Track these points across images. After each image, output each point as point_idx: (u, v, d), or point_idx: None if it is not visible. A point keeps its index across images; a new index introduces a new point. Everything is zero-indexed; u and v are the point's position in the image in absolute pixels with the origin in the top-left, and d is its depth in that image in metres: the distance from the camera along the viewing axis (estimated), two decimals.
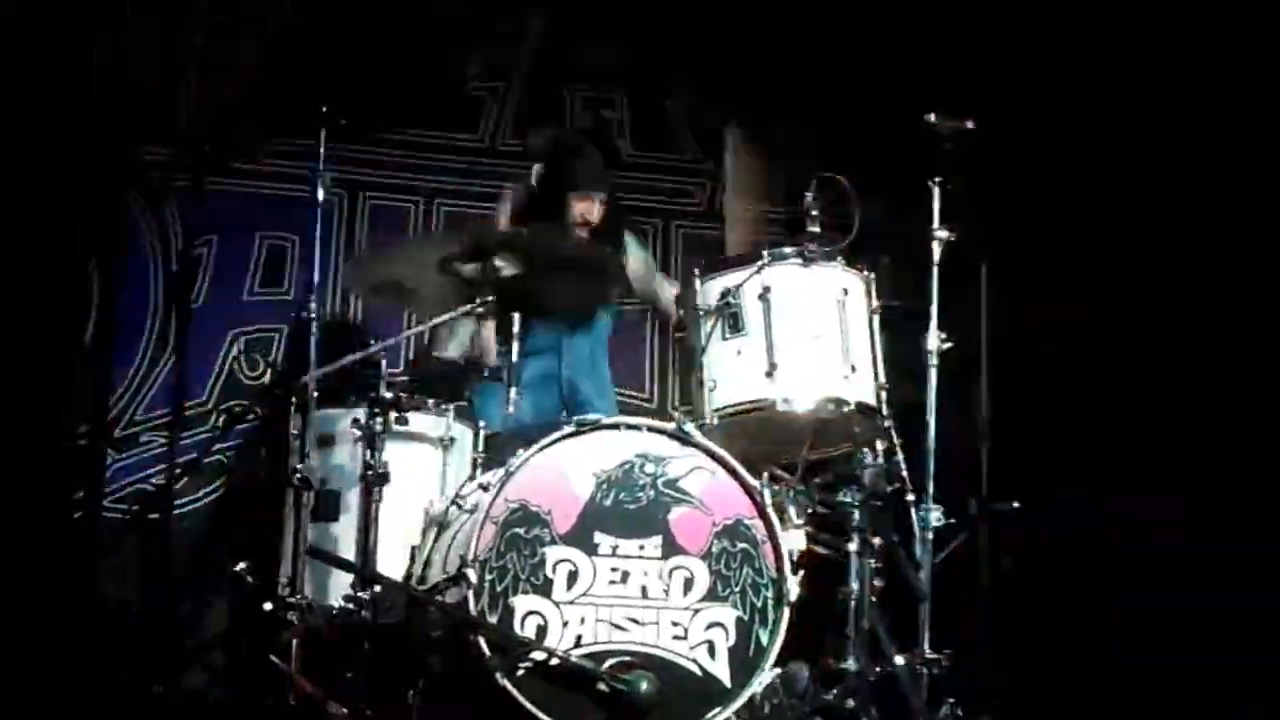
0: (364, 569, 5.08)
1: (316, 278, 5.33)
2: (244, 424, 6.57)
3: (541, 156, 6.23)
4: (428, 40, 6.69)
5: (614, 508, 4.96)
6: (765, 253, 5.33)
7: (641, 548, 4.95)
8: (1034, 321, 6.64)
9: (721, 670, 4.93)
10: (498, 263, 5.31)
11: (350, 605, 5.08)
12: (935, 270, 5.55)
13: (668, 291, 6.34)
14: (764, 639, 4.96)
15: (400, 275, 5.45)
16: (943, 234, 5.56)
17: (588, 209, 6.04)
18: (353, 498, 5.27)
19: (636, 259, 6.31)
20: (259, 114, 6.60)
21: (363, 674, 4.95)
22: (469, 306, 5.24)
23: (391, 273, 5.51)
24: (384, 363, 5.31)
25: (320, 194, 5.34)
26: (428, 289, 5.38)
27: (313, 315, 5.28)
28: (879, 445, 5.45)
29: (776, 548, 5.00)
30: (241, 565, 5.48)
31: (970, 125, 5.61)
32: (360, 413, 5.31)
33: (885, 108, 6.44)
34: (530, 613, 4.87)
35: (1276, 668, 6.04)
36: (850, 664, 5.34)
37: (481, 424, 5.50)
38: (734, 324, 5.28)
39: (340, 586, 5.20)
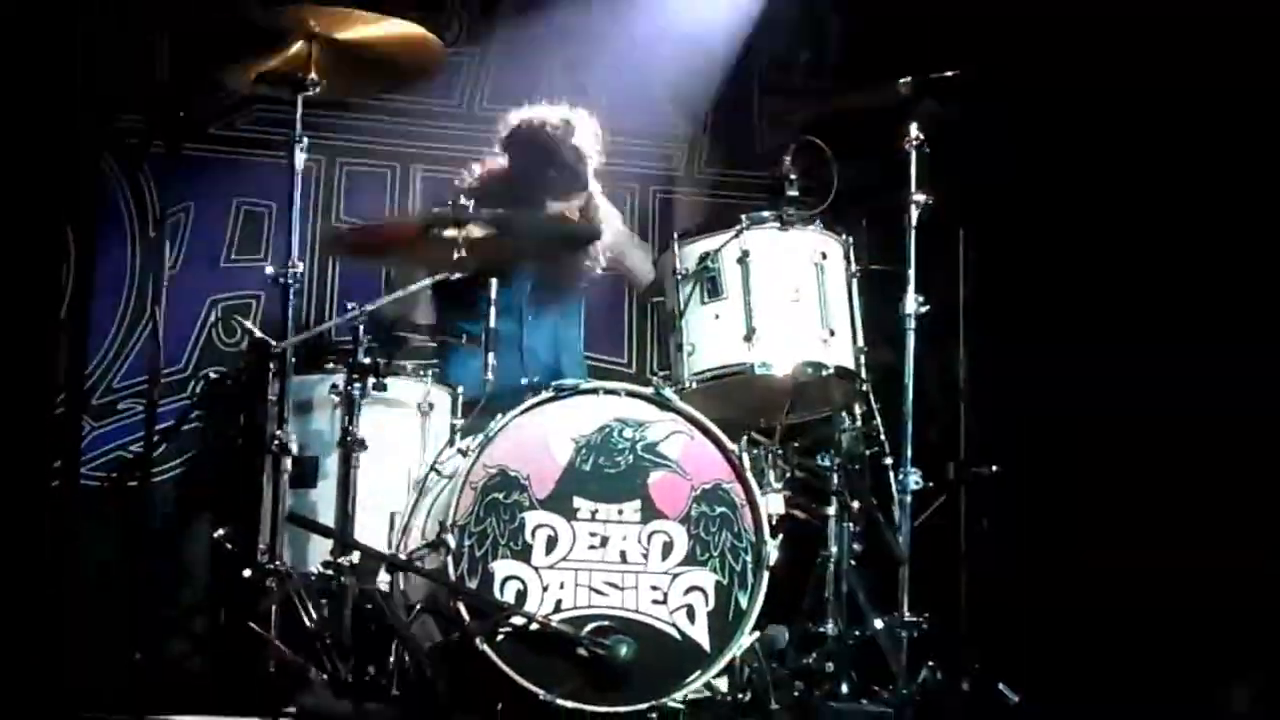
0: (343, 535, 5.07)
1: (294, 243, 5.31)
2: (222, 390, 6.55)
3: (517, 152, 6.17)
4: None
5: (593, 472, 4.97)
6: (744, 216, 5.33)
7: (620, 512, 4.96)
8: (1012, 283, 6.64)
9: (701, 634, 4.94)
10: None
11: (329, 571, 5.07)
12: (912, 233, 5.55)
13: (637, 257, 6.31)
14: (743, 602, 4.97)
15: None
16: (920, 197, 5.57)
17: (569, 210, 6.03)
18: (331, 464, 5.25)
19: (613, 227, 6.27)
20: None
21: (342, 640, 4.94)
22: (444, 274, 5.22)
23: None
24: (361, 328, 5.29)
25: (297, 160, 5.32)
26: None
27: (290, 281, 5.27)
28: (857, 409, 5.47)
29: (755, 511, 5.02)
30: (220, 532, 5.47)
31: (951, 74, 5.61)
32: (338, 378, 5.30)
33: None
34: (510, 578, 4.88)
35: (1266, 634, 6.06)
36: (829, 627, 5.38)
37: (459, 389, 5.51)
38: (712, 288, 5.28)
39: (319, 553, 5.19)
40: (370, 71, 5.39)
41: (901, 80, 5.60)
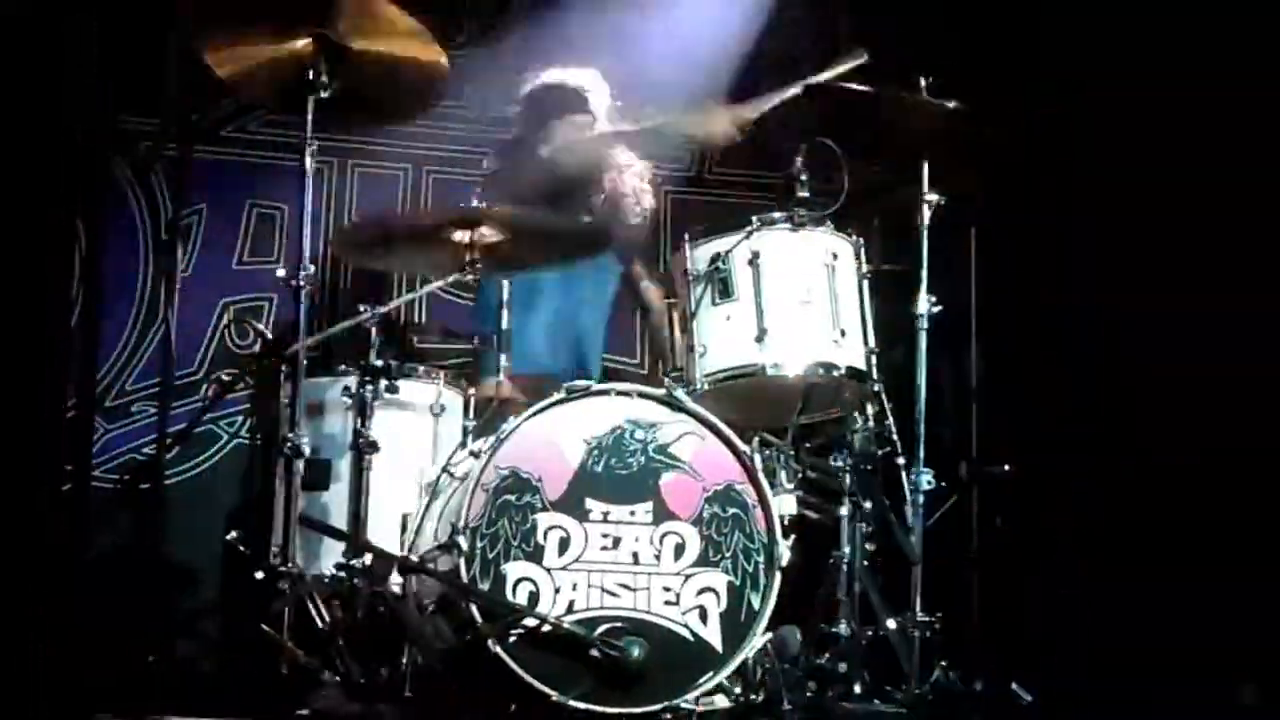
0: (355, 538, 5.07)
1: (306, 246, 5.32)
2: (234, 393, 6.57)
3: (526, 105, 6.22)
4: None
5: (605, 474, 4.97)
6: (754, 218, 5.34)
7: (632, 513, 4.96)
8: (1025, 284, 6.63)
9: (713, 635, 4.94)
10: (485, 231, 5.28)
11: (342, 573, 5.08)
12: (924, 234, 5.54)
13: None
14: (755, 604, 4.96)
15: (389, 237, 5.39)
16: (932, 197, 5.55)
17: (572, 131, 6.01)
18: (343, 466, 5.26)
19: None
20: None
21: (354, 642, 4.95)
22: (459, 274, 5.23)
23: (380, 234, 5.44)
24: (375, 330, 5.30)
25: (308, 162, 5.32)
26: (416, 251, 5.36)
27: (302, 283, 5.27)
28: (869, 409, 5.46)
29: (767, 512, 5.01)
30: (233, 535, 5.49)
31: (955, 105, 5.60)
32: (351, 381, 5.30)
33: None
34: (522, 579, 4.88)
35: (1271, 639, 6.04)
36: (842, 628, 5.36)
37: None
38: (724, 289, 5.29)
39: (332, 555, 5.20)
40: (379, 83, 5.39)
41: (914, 79, 5.58)
